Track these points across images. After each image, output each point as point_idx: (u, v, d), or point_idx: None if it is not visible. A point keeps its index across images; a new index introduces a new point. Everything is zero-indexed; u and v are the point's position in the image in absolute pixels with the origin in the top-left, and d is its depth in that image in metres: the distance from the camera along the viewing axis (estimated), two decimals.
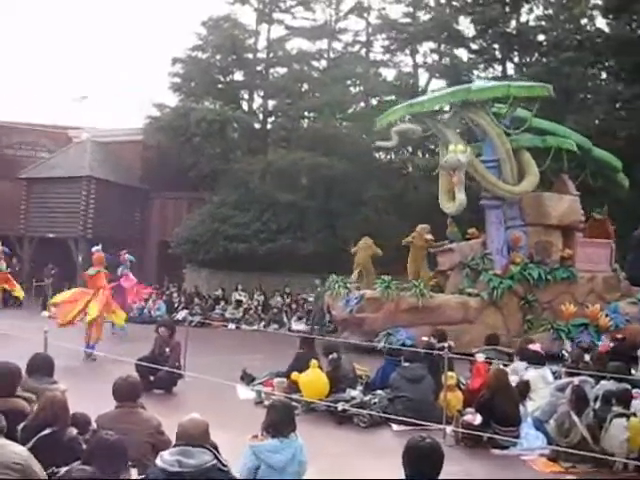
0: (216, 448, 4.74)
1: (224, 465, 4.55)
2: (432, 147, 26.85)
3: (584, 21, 27.78)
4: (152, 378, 10.38)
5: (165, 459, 4.42)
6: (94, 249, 15.11)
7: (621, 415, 7.36)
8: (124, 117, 73.87)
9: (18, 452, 4.29)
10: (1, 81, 67.20)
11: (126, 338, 16.04)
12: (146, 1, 69.15)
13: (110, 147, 30.19)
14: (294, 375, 9.93)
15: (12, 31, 74.74)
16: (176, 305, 23.08)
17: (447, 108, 17.70)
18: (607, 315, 14.76)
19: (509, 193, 15.71)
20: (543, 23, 27.76)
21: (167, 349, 10.87)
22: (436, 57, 29.22)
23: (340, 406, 9.08)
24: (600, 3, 27.50)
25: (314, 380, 9.71)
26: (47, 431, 4.87)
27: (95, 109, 64.83)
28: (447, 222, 17.65)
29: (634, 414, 7.42)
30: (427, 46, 29.19)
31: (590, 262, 16.09)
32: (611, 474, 7.10)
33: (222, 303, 23.16)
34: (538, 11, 28.65)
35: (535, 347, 10.27)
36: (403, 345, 12.15)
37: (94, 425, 5.51)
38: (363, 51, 30.22)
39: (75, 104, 49.91)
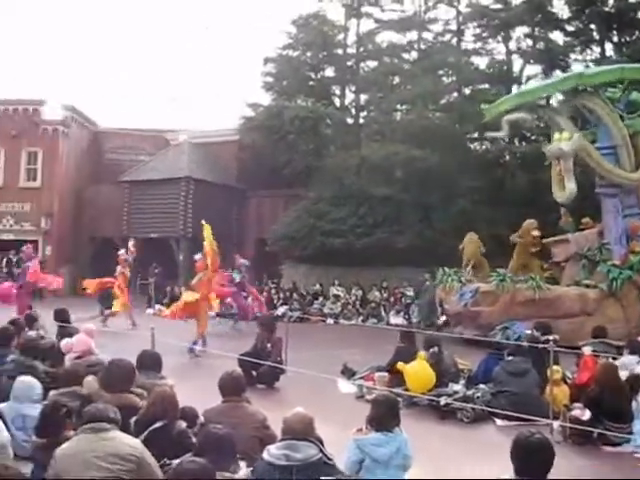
0: (321, 442, 4.80)
1: (329, 459, 4.60)
2: (528, 134, 26.29)
3: None
4: (254, 373, 10.56)
5: (272, 453, 4.51)
6: (196, 257, 15.61)
7: None
8: (220, 118, 75.15)
9: (133, 444, 4.47)
10: (101, 88, 69.52)
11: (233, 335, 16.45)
12: (237, 3, 70.28)
13: (207, 148, 30.89)
14: (399, 365, 9.86)
15: (109, 38, 77.23)
16: (275, 301, 23.40)
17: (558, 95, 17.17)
18: None
19: (627, 180, 15.08)
20: None
21: (268, 345, 11.05)
22: (530, 42, 28.47)
23: (443, 400, 8.99)
24: None
25: (420, 371, 9.62)
26: (158, 424, 5.03)
27: (191, 111, 66.25)
28: (561, 212, 17.14)
29: None
30: (520, 31, 28.48)
31: None
32: None
33: (320, 298, 23.35)
34: None
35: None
36: (518, 339, 11.92)
37: (202, 419, 5.66)
38: (454, 40, 29.75)
39: (171, 108, 51.32)
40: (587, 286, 14.88)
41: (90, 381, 5.98)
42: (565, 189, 14.59)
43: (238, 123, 29.52)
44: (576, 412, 7.92)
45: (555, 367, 8.84)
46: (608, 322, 12.42)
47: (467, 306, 15.48)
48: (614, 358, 9.25)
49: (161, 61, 76.83)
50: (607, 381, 7.90)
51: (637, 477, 6.90)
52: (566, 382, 9.34)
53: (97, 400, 5.34)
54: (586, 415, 7.77)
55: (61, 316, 10.74)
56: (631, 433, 7.70)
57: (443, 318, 18.66)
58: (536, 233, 16.12)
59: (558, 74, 16.38)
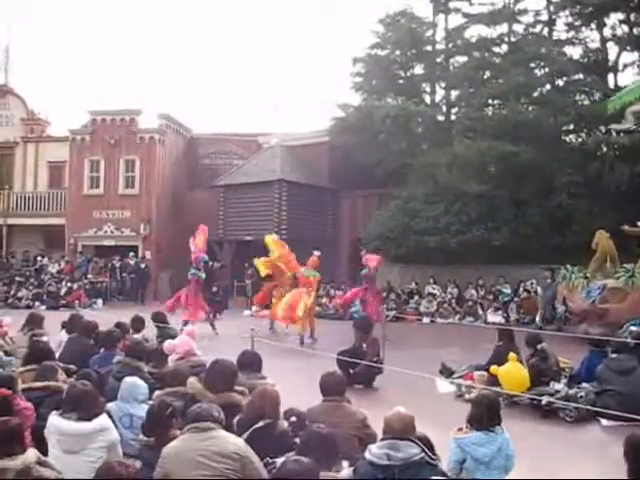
0: (428, 441, 4.83)
1: (432, 458, 4.62)
2: (628, 125, 25.44)
3: None
4: (351, 372, 10.64)
5: (374, 452, 4.57)
6: (315, 253, 16.92)
7: None
8: (311, 120, 75.87)
9: (236, 443, 4.64)
10: (194, 95, 71.17)
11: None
12: (325, 4, 70.69)
13: (298, 150, 31.15)
14: (493, 368, 9.81)
15: (199, 46, 78.94)
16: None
17: None
18: None
19: None
20: None
21: (364, 345, 11.12)
22: (626, 28, 27.46)
23: (545, 399, 8.86)
24: None
25: (513, 372, 9.53)
26: (260, 424, 5.17)
27: (283, 114, 67.04)
28: None
29: None
30: (615, 17, 27.45)
31: None
32: None
33: (416, 297, 23.27)
34: None
35: None
36: None
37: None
38: (545, 31, 29.01)
39: (268, 113, 52.04)
40: None
41: (193, 382, 6.16)
42: None
43: (329, 124, 29.66)
44: None
45: None
46: None
47: (595, 303, 15.11)
48: None
49: (250, 65, 78.07)
50: None
51: None
52: None
53: (201, 400, 5.53)
54: None
55: (159, 318, 11.19)
56: None
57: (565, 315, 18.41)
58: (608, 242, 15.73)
59: None
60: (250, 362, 7.01)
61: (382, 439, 4.70)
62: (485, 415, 5.39)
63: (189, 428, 4.69)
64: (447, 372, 11.33)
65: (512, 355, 9.68)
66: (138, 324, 10.25)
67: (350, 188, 29.58)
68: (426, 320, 20.76)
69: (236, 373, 6.14)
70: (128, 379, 6.46)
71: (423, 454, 4.53)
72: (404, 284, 24.50)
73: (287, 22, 78.08)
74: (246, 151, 32.72)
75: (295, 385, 8.57)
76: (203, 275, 17.48)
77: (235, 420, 5.39)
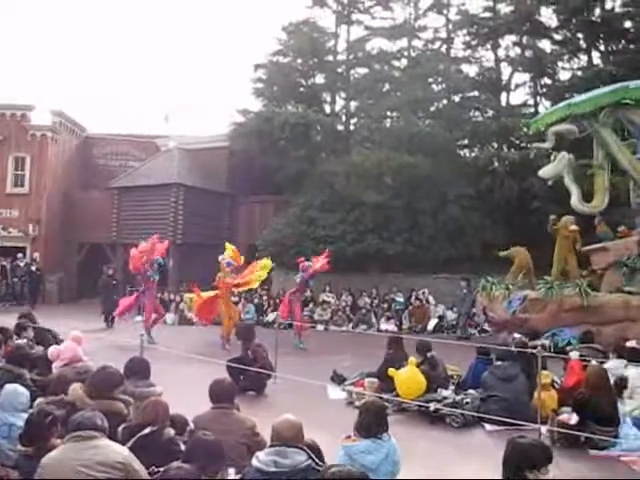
0: (317, 448, 4.81)
1: (320, 465, 4.61)
2: (517, 142, 26.49)
3: None
4: (242, 377, 10.53)
5: (261, 459, 4.52)
6: (220, 258, 17.22)
7: None
8: (210, 124, 75.25)
9: (120, 452, 4.49)
10: (90, 94, 69.41)
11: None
12: (226, 10, 70.36)
13: (197, 154, 30.79)
14: (391, 371, 9.90)
15: (98, 44, 77.20)
16: (265, 307, 23.37)
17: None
18: None
19: None
20: (629, 9, 26.92)
21: (249, 352, 11.05)
22: (518, 50, 28.67)
23: (432, 406, 9.04)
24: None
25: (411, 377, 9.67)
26: (146, 431, 5.05)
27: (181, 118, 66.22)
28: (595, 222, 17.26)
29: None
30: (509, 39, 28.70)
31: None
32: None
33: (310, 305, 23.31)
34: None
35: (632, 344, 10.00)
36: (569, 344, 12.07)
37: (191, 426, 5.68)
38: (444, 48, 29.97)
39: (161, 114, 51.30)
40: (630, 293, 15.13)
41: (75, 388, 5.95)
42: (593, 200, 15.43)
43: (228, 129, 29.49)
44: (564, 416, 8.03)
45: (544, 372, 8.93)
46: None
47: (515, 313, 15.71)
48: (601, 362, 9.35)
49: (151, 67, 76.88)
50: (597, 384, 7.99)
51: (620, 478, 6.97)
52: (555, 387, 9.42)
53: (81, 407, 5.34)
54: (574, 419, 7.87)
55: (28, 318, 10.78)
56: (617, 437, 7.79)
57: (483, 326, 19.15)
58: (574, 227, 16.18)
59: (604, 88, 16.63)
60: (138, 369, 6.86)
61: (270, 446, 4.66)
62: (372, 422, 5.42)
63: (70, 437, 4.50)
64: (339, 379, 11.41)
65: (412, 359, 9.84)
66: (21, 330, 9.82)
67: (248, 194, 29.52)
68: (320, 328, 20.83)
69: (121, 380, 5.98)
70: (8, 387, 6.19)
71: (310, 461, 4.52)
72: None
73: (191, 24, 77.23)
74: (143, 153, 32.05)
75: (184, 393, 8.42)
76: (156, 276, 17.56)
77: (120, 428, 5.25)
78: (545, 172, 15.98)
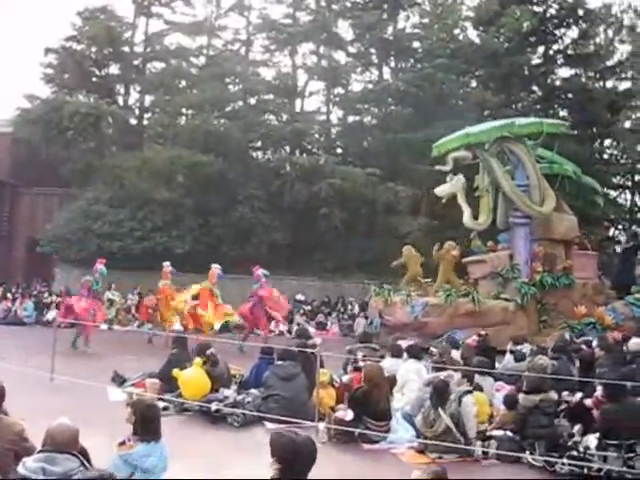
0: (85, 454, 4.59)
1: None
2: (309, 147, 27.28)
3: (456, 31, 29.06)
4: None
5: (28, 466, 4.23)
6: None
7: (468, 392, 7.96)
8: None
9: None
10: None
11: None
12: None
13: None
14: (175, 372, 9.76)
15: None
16: (48, 305, 22.23)
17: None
18: (609, 315, 16.78)
19: (538, 213, 17.85)
20: (418, 31, 28.78)
21: None
22: (315, 59, 29.62)
23: (213, 406, 9.01)
24: (471, 15, 28.81)
25: (195, 378, 9.59)
26: None
27: None
28: (470, 236, 19.04)
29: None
30: (306, 47, 29.63)
31: (582, 271, 18.47)
32: (473, 462, 7.50)
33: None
34: (414, 19, 29.87)
35: (405, 343, 10.60)
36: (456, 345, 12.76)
37: None
38: (243, 50, 30.27)
39: None
40: (506, 300, 17.24)
41: None
42: (479, 218, 17.44)
43: (13, 114, 27.78)
44: (340, 413, 8.31)
45: (323, 370, 9.20)
46: (519, 329, 15.66)
47: (418, 318, 16.83)
48: (377, 361, 9.82)
49: None
50: (376, 382, 8.38)
51: (389, 470, 7.32)
52: (333, 385, 9.73)
53: None
54: (349, 416, 8.18)
55: None
56: (389, 431, 8.23)
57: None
58: (455, 253, 17.98)
59: (496, 122, 19.25)
60: None
61: (39, 451, 4.39)
62: (148, 424, 5.31)
63: None
64: (119, 380, 11.10)
65: (197, 360, 9.74)
66: None
67: (32, 184, 27.99)
68: (104, 327, 20.12)
69: None
70: None
71: (83, 468, 4.30)
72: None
73: None
74: None
75: None
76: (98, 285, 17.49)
77: None
78: (441, 190, 17.43)
